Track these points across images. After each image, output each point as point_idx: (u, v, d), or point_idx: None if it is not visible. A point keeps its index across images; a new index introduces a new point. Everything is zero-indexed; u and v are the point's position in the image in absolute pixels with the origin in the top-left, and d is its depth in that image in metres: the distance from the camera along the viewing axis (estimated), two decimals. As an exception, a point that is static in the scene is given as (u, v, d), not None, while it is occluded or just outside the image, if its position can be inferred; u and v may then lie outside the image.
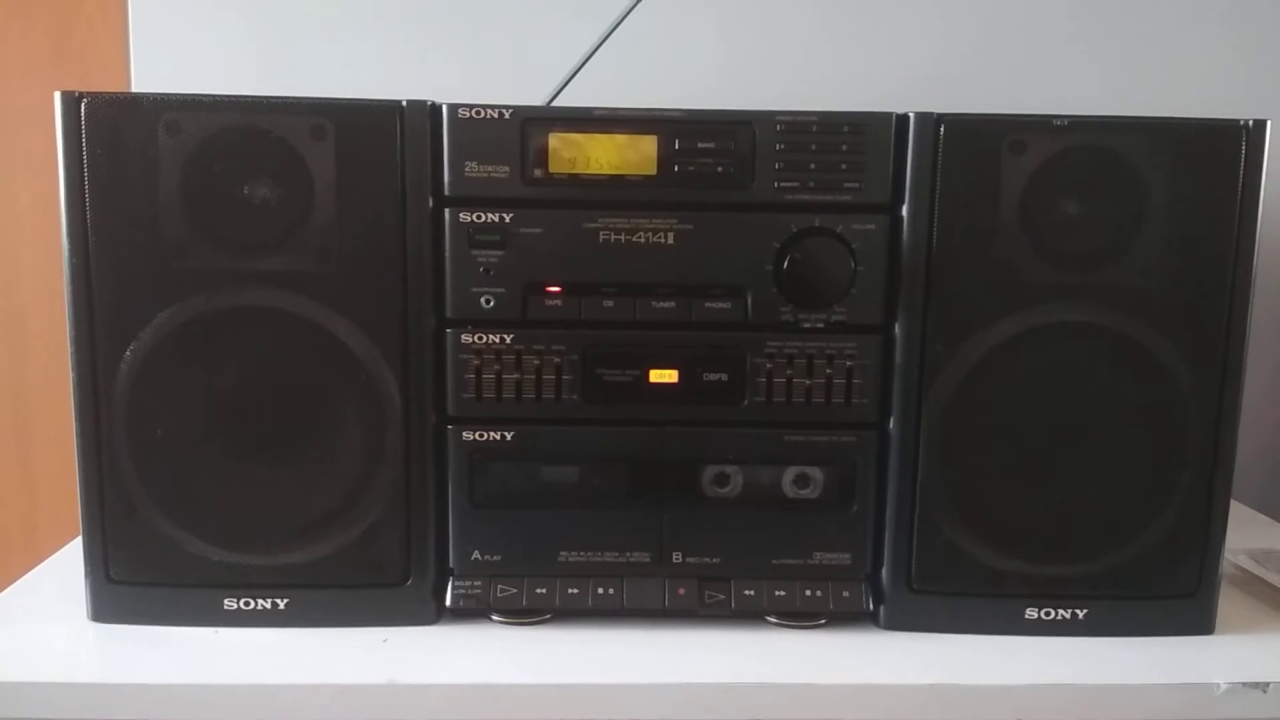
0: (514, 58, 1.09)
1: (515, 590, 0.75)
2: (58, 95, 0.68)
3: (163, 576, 0.73)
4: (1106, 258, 0.71)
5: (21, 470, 1.22)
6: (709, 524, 0.75)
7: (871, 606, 0.75)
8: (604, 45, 0.86)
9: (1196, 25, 1.11)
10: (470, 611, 0.75)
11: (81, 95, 0.68)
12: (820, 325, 0.73)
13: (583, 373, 0.73)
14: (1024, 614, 0.75)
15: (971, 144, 0.70)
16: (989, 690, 0.69)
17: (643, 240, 0.72)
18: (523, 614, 0.75)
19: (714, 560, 0.75)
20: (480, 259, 0.72)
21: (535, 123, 0.71)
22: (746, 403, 0.74)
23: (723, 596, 0.75)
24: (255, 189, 0.69)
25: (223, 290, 0.70)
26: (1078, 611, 0.75)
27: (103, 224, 0.69)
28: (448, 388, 0.73)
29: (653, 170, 0.71)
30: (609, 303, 0.72)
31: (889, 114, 0.71)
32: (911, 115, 0.71)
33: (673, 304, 0.73)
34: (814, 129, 0.71)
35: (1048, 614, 0.75)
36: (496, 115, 0.71)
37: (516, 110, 0.71)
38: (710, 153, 0.71)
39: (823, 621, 0.76)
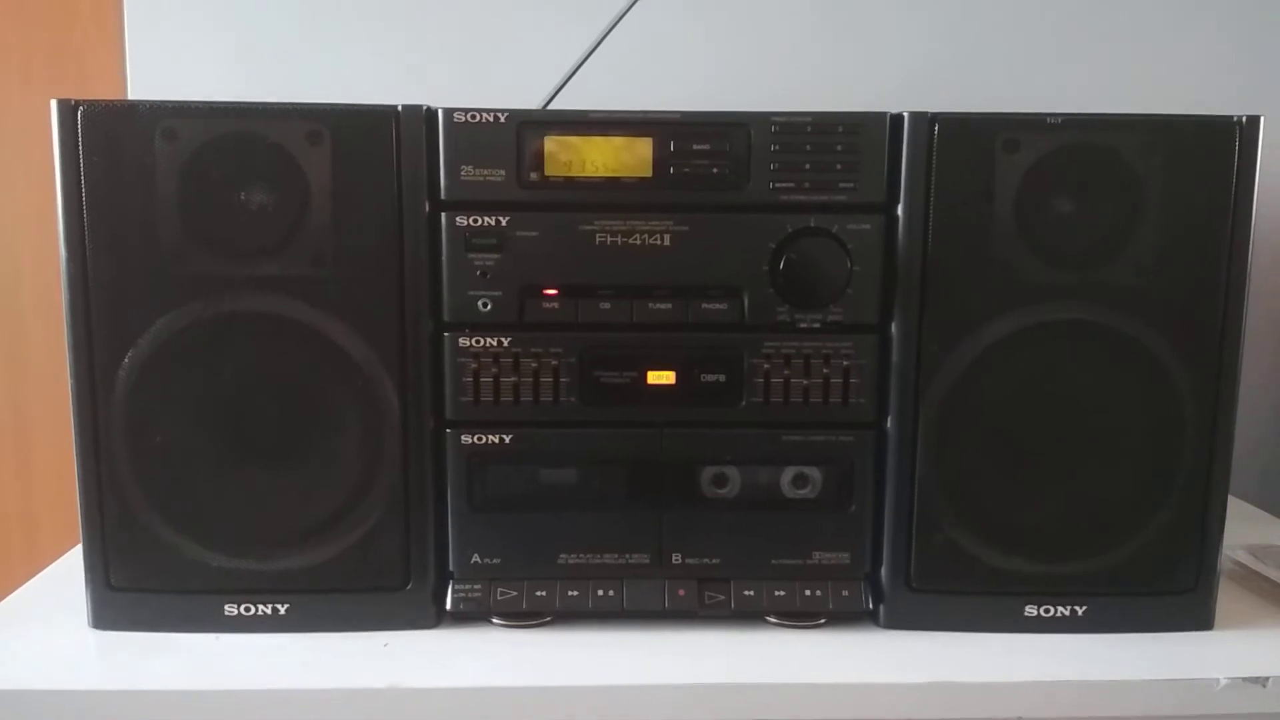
0: (509, 61, 1.09)
1: (515, 593, 0.75)
2: (54, 103, 0.68)
3: (163, 583, 0.73)
4: (1101, 255, 0.71)
5: (21, 478, 1.22)
6: (708, 525, 0.75)
7: (871, 605, 0.75)
8: (599, 48, 0.86)
9: (1189, 22, 1.11)
10: (470, 615, 0.75)
11: (78, 103, 0.68)
12: (817, 325, 0.73)
13: (580, 375, 0.73)
14: (1023, 611, 0.75)
15: (966, 143, 0.70)
16: (989, 688, 0.69)
17: (639, 242, 0.72)
18: (523, 617, 0.75)
19: (713, 561, 0.75)
20: (477, 262, 0.72)
21: (531, 126, 0.71)
22: (744, 403, 0.74)
23: (722, 597, 0.75)
24: (252, 195, 0.70)
25: (220, 296, 0.70)
26: (1077, 608, 0.75)
27: (100, 231, 0.69)
28: (446, 391, 0.73)
29: (648, 172, 0.72)
30: (606, 305, 0.72)
31: (883, 114, 0.72)
32: (906, 115, 0.71)
33: (669, 305, 0.73)
34: (809, 129, 0.71)
35: (1047, 611, 0.75)
36: (492, 119, 0.71)
37: (512, 114, 0.71)
38: (705, 154, 0.71)
39: (822, 621, 0.76)
